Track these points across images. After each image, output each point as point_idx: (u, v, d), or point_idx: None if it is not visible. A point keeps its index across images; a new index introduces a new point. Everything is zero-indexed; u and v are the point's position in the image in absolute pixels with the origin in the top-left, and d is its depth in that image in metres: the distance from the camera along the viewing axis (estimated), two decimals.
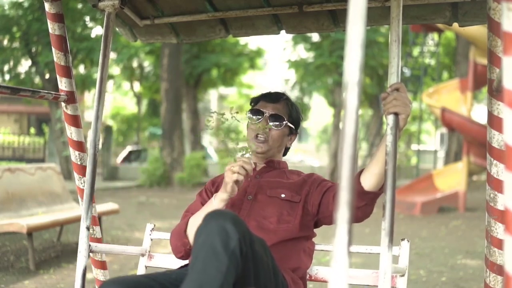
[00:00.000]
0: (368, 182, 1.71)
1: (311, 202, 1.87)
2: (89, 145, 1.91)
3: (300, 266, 1.84)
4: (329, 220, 1.87)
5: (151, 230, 2.16)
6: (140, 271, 2.09)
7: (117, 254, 1.90)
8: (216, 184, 2.03)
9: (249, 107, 2.10)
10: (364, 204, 1.73)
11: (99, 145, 1.94)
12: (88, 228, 1.88)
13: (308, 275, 1.94)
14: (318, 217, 1.88)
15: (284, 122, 1.99)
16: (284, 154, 2.13)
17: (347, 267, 0.76)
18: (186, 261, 1.87)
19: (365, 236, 6.16)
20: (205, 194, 2.00)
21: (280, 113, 2.00)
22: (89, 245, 1.88)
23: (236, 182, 1.72)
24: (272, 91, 2.09)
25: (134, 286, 1.50)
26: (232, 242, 1.35)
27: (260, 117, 1.99)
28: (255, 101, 2.08)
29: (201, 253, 1.35)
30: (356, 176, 1.74)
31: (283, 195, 1.88)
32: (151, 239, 2.16)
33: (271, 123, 1.97)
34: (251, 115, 2.02)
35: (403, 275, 1.79)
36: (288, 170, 2.05)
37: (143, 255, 2.10)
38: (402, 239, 1.88)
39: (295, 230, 1.83)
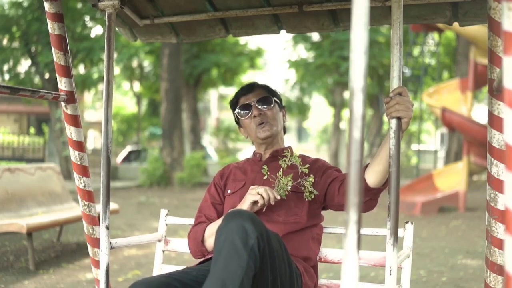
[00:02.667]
0: (372, 179, 1.77)
1: (318, 189, 1.92)
2: (101, 147, 1.94)
3: (310, 255, 1.91)
4: (335, 208, 1.95)
5: (165, 216, 2.24)
6: (158, 256, 2.19)
7: (135, 245, 1.97)
8: (225, 177, 2.09)
9: None
10: (368, 199, 1.81)
11: (111, 147, 1.96)
12: (107, 228, 1.92)
13: (318, 257, 2.02)
14: (325, 204, 1.96)
15: (273, 99, 2.05)
16: (284, 133, 2.18)
17: (357, 276, 0.79)
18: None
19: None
20: (213, 189, 2.07)
21: (264, 94, 2.06)
22: (110, 243, 1.92)
23: (255, 203, 1.79)
24: (244, 85, 2.15)
25: (158, 287, 1.58)
26: (251, 239, 1.46)
27: (248, 111, 2.04)
28: (234, 102, 2.12)
29: (223, 251, 1.45)
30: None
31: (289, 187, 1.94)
32: (166, 225, 2.25)
33: (260, 107, 2.02)
34: (239, 115, 2.07)
35: (408, 257, 1.88)
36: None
37: (159, 240, 2.19)
38: (406, 222, 1.96)
39: (303, 221, 1.90)
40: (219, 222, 1.85)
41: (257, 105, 2.03)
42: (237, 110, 2.08)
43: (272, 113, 2.03)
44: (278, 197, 1.80)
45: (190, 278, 1.68)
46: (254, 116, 2.02)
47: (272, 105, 2.03)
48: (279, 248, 1.61)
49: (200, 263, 1.91)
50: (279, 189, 1.83)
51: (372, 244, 5.20)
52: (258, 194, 1.77)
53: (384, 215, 1.67)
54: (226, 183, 2.08)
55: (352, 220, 0.79)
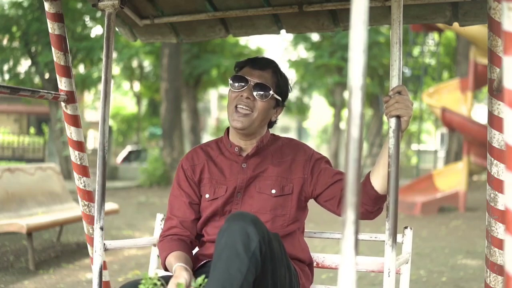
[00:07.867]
0: (380, 185, 1.70)
1: (309, 190, 1.81)
2: (98, 147, 1.92)
3: (304, 254, 1.84)
4: (325, 205, 1.83)
5: (161, 220, 2.20)
6: (153, 261, 2.14)
7: (130, 248, 1.88)
8: (198, 171, 1.86)
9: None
10: (378, 208, 1.75)
11: (107, 146, 1.93)
12: (102, 228, 1.89)
13: (315, 263, 1.98)
14: (318, 200, 1.83)
15: (271, 93, 1.78)
16: (269, 127, 1.91)
17: (354, 278, 0.78)
18: (201, 261, 1.82)
19: None
20: (187, 184, 1.85)
21: (267, 82, 1.78)
22: (104, 244, 1.90)
23: None
24: (260, 57, 1.88)
25: None
26: (253, 244, 1.42)
27: (243, 84, 1.77)
28: (239, 66, 1.86)
29: (224, 254, 1.41)
30: (367, 180, 1.73)
31: (273, 191, 1.79)
32: (162, 229, 2.16)
33: (255, 93, 1.77)
34: (232, 82, 1.79)
35: (406, 262, 1.85)
36: (278, 148, 1.87)
37: (155, 245, 2.15)
38: (405, 227, 1.92)
39: (291, 221, 1.80)
40: (176, 255, 1.70)
41: (252, 87, 1.77)
42: (232, 76, 1.81)
43: (262, 106, 1.77)
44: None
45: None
46: (241, 96, 1.77)
47: (266, 99, 1.77)
48: (279, 250, 1.57)
49: (197, 268, 1.79)
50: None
51: (371, 250, 5.20)
52: None
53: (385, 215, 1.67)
54: (201, 180, 1.85)
55: (350, 220, 0.77)
